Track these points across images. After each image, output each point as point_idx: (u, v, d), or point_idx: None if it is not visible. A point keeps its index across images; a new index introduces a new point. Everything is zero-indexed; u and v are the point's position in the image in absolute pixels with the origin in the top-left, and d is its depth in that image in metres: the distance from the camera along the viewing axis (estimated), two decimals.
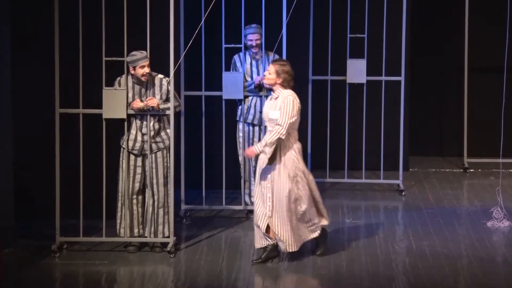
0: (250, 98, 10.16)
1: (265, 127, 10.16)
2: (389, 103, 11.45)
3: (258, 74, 10.09)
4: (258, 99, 10.14)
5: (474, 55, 12.42)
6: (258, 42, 10.04)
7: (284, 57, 9.99)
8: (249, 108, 10.18)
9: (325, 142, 11.58)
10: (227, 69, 10.12)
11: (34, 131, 9.92)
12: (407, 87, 11.60)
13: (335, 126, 11.64)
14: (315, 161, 11.59)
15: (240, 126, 10.23)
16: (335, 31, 11.34)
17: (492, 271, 8.73)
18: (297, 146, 8.86)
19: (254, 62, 10.16)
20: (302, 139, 11.25)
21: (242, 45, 10.08)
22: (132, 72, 8.96)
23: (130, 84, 9.04)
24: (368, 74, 11.29)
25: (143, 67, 8.91)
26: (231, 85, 9.98)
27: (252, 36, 10.03)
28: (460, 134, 12.58)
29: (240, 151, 10.30)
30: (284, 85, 8.72)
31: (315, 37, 11.39)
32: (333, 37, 11.34)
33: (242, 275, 8.68)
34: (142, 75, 8.93)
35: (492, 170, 12.15)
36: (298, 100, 8.74)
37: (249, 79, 10.11)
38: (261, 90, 10.04)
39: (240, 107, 10.17)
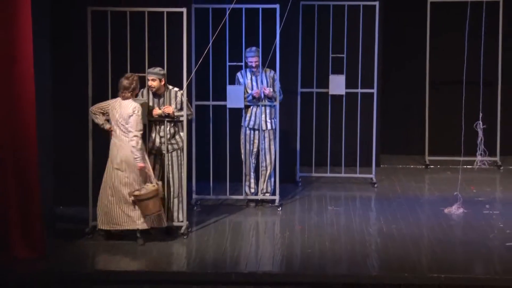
0: (251, 107, 10.11)
1: (264, 130, 10.19)
2: (364, 110, 11.43)
3: (257, 87, 10.06)
4: (258, 108, 10.10)
5: (434, 70, 12.35)
6: (257, 63, 9.99)
7: (277, 72, 10.01)
8: (251, 115, 10.16)
9: (311, 143, 11.48)
10: (231, 83, 10.08)
11: (70, 137, 9.83)
12: (379, 97, 11.57)
13: (319, 130, 11.61)
14: (303, 159, 11.52)
15: (243, 130, 10.21)
16: (320, 51, 11.32)
17: (448, 249, 8.73)
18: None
19: (253, 78, 10.10)
20: (292, 141, 11.38)
21: (243, 64, 10.05)
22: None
23: (151, 95, 9.06)
24: (346, 87, 11.22)
25: (148, 80, 8.94)
26: (234, 96, 10.00)
27: (252, 58, 9.97)
28: (422, 136, 12.48)
29: (242, 151, 10.25)
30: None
31: (303, 56, 11.34)
32: (318, 56, 11.33)
33: (243, 252, 8.69)
34: (149, 87, 8.98)
35: (449, 166, 12.11)
36: (104, 104, 8.79)
37: (249, 91, 10.07)
38: (259, 100, 10.04)
39: (244, 115, 10.15)
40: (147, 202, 8.66)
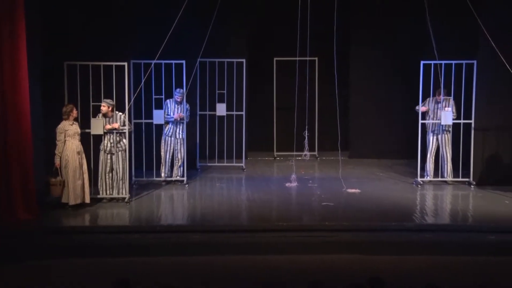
0: (169, 123, 10.09)
1: (177, 138, 10.04)
2: (237, 124, 11.39)
3: (177, 112, 10.03)
4: (174, 124, 10.08)
5: (279, 99, 12.37)
6: (181, 99, 9.94)
7: (185, 99, 9.96)
8: (169, 128, 10.12)
9: (206, 144, 11.43)
10: (156, 108, 9.97)
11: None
12: (246, 116, 11.53)
13: (210, 137, 11.46)
14: (201, 154, 11.43)
15: (164, 137, 10.17)
16: (210, 89, 11.21)
17: (288, 207, 8.93)
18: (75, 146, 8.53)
19: (176, 106, 10.05)
20: (194, 143, 11.14)
21: (163, 96, 9.91)
22: None
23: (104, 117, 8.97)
24: (227, 111, 11.21)
25: (101, 106, 8.87)
26: (158, 117, 9.95)
27: (179, 96, 9.92)
28: (272, 139, 12.49)
29: (162, 150, 10.20)
30: None
31: (200, 92, 11.24)
32: (210, 92, 11.25)
33: (164, 212, 8.74)
34: (101, 110, 8.87)
35: (288, 158, 12.00)
36: (60, 126, 8.48)
37: (171, 113, 10.02)
38: (177, 120, 10.03)
39: (164, 128, 10.11)
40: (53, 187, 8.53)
